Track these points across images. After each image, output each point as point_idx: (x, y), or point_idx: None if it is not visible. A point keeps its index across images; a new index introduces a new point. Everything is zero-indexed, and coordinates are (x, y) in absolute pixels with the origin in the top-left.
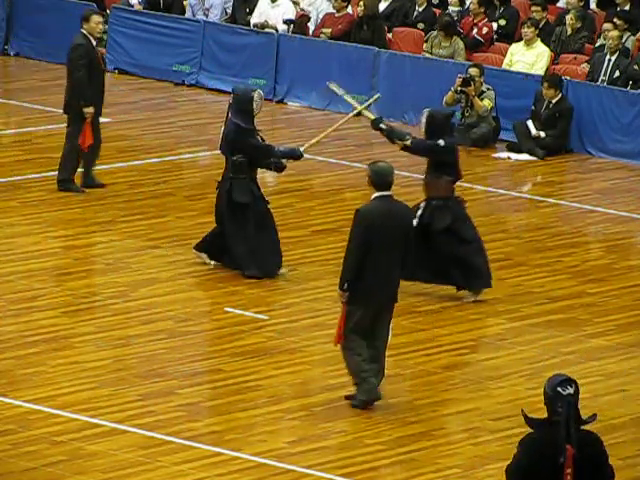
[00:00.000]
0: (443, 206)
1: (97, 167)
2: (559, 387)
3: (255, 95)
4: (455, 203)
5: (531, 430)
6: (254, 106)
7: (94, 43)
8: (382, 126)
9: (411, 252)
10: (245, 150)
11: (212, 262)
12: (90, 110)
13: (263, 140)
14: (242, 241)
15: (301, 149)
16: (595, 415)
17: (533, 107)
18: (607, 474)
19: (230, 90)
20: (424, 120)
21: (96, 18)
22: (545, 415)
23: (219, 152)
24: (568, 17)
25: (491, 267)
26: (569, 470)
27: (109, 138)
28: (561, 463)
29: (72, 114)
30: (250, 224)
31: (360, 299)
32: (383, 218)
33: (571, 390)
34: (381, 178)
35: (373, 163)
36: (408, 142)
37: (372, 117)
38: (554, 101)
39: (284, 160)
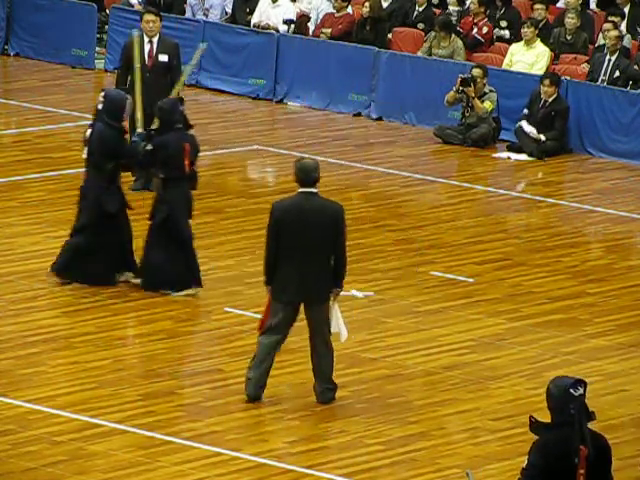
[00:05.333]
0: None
1: None
2: (571, 389)
3: (128, 102)
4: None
5: (536, 434)
6: (125, 112)
7: (145, 40)
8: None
9: (341, 253)
10: (121, 153)
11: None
12: None
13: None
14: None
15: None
16: (594, 412)
17: (526, 110)
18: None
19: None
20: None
21: (146, 17)
22: (545, 417)
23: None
24: (569, 16)
25: (491, 267)
26: (582, 471)
27: None
28: (575, 464)
29: None
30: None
31: (275, 294)
32: (298, 214)
33: (582, 390)
34: (305, 174)
35: (298, 160)
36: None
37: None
38: (550, 100)
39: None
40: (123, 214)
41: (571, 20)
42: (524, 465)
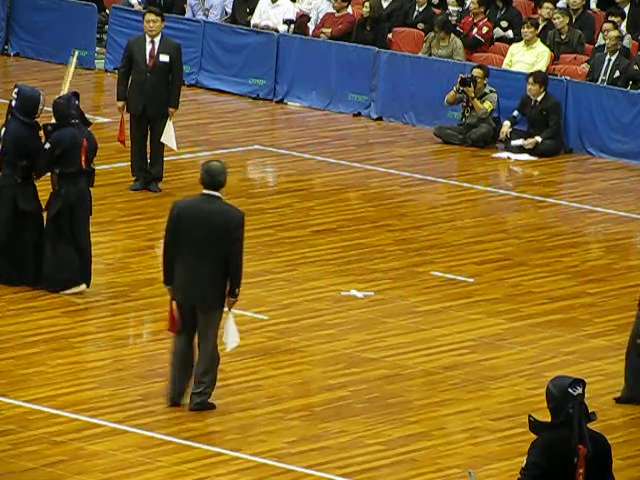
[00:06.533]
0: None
1: (97, 167)
2: (570, 388)
3: (41, 98)
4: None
5: (536, 434)
6: (38, 109)
7: (147, 40)
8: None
9: (234, 261)
10: (33, 152)
11: None
12: (118, 105)
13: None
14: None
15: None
16: (594, 413)
17: (517, 112)
18: (611, 477)
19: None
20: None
21: (147, 17)
22: (546, 417)
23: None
24: (555, 16)
25: (491, 267)
26: (581, 470)
27: (109, 138)
28: (574, 463)
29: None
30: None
31: (173, 293)
32: (196, 214)
33: (580, 390)
34: (210, 177)
35: (207, 162)
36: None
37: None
38: (539, 99)
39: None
40: (39, 213)
41: (557, 20)
42: (523, 465)
